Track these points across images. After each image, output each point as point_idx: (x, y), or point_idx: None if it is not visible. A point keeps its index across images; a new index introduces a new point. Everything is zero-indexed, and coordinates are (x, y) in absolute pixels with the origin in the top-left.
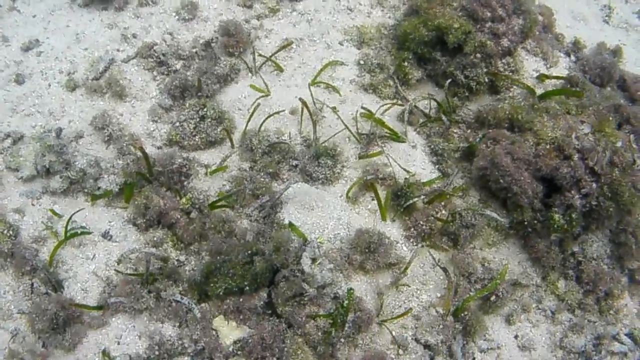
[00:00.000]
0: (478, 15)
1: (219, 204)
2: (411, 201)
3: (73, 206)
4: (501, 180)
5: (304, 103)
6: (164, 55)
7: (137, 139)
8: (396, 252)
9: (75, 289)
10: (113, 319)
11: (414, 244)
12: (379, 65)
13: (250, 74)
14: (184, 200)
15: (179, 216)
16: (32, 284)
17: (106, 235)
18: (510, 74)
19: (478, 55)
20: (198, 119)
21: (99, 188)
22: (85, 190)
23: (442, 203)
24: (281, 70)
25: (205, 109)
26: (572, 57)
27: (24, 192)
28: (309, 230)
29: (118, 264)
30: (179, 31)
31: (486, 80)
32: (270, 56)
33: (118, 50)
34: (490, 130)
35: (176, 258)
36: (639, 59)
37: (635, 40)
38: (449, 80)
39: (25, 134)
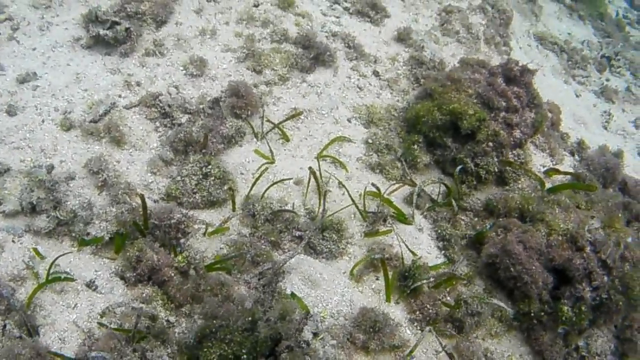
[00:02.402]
0: (493, 103)
1: (216, 266)
2: (419, 283)
3: (57, 249)
4: (512, 269)
5: (313, 173)
6: (169, 106)
7: (133, 188)
8: (400, 334)
9: (52, 337)
10: None
11: (418, 327)
12: (387, 146)
13: (255, 139)
14: (179, 257)
15: (172, 274)
16: (5, 325)
17: (91, 285)
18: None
19: (490, 144)
20: (201, 176)
21: (88, 234)
22: (73, 235)
23: (447, 289)
24: (287, 140)
25: (209, 167)
26: (577, 157)
27: (4, 227)
28: (312, 303)
29: (102, 316)
30: (184, 86)
31: (496, 170)
32: (279, 123)
33: (120, 96)
34: (501, 219)
35: (166, 318)
36: (636, 165)
37: (632, 147)
38: (460, 167)
39: (12, 167)
